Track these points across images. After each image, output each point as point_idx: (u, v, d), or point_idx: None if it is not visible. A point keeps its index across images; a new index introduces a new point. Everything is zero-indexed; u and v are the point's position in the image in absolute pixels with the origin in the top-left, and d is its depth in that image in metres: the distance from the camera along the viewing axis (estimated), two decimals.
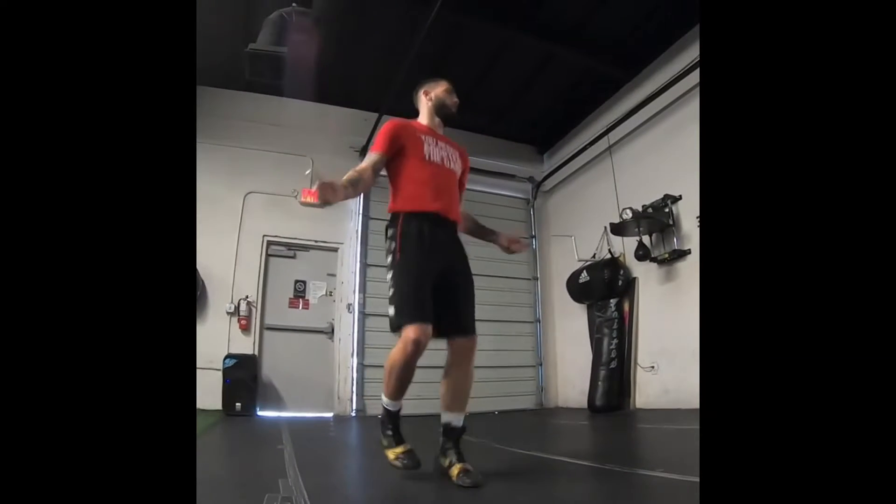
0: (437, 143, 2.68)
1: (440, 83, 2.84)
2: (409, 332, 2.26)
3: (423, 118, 2.81)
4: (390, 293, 2.42)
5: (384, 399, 2.51)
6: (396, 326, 2.34)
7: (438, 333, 2.42)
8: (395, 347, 2.33)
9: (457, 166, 2.75)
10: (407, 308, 2.34)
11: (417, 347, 2.26)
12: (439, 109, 2.79)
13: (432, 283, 2.42)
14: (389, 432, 2.46)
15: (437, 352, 2.40)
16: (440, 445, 2.41)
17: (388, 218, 2.59)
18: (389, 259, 2.50)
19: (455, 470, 2.25)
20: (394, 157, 2.60)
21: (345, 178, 2.34)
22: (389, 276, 2.47)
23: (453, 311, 2.47)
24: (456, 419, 2.44)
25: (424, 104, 2.82)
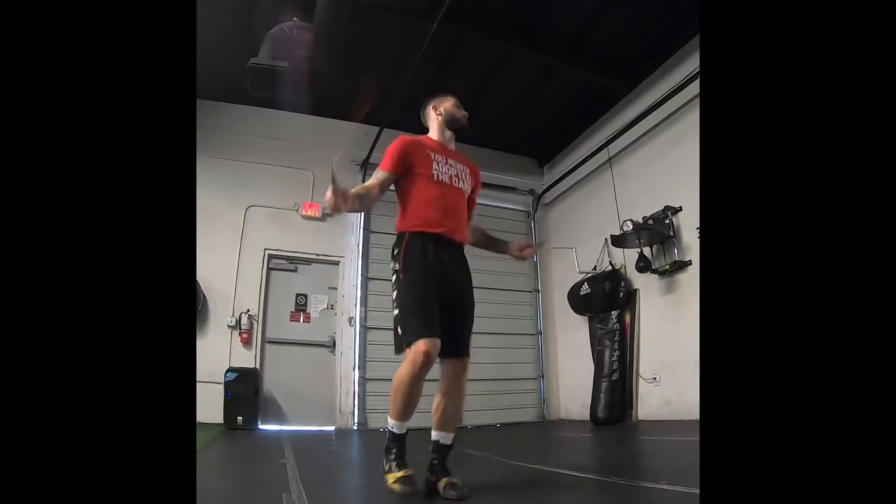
0: (446, 161, 2.67)
1: (447, 98, 2.83)
2: (420, 345, 2.25)
3: (434, 133, 2.79)
4: (395, 313, 2.42)
5: (390, 421, 2.42)
6: (404, 345, 2.33)
7: None
8: (403, 364, 2.30)
9: (466, 185, 2.73)
10: (415, 323, 2.33)
11: (427, 360, 2.25)
12: (450, 123, 2.77)
13: (437, 297, 2.42)
14: (393, 457, 2.38)
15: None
16: (428, 461, 2.44)
17: (395, 237, 2.59)
18: (394, 278, 2.49)
19: (442, 483, 2.30)
20: (402, 176, 2.59)
21: (353, 190, 2.34)
22: (394, 295, 2.46)
23: (452, 332, 2.45)
24: (445, 437, 2.46)
25: (434, 119, 2.81)
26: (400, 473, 2.30)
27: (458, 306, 2.52)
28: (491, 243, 2.91)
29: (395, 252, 2.53)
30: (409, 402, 2.35)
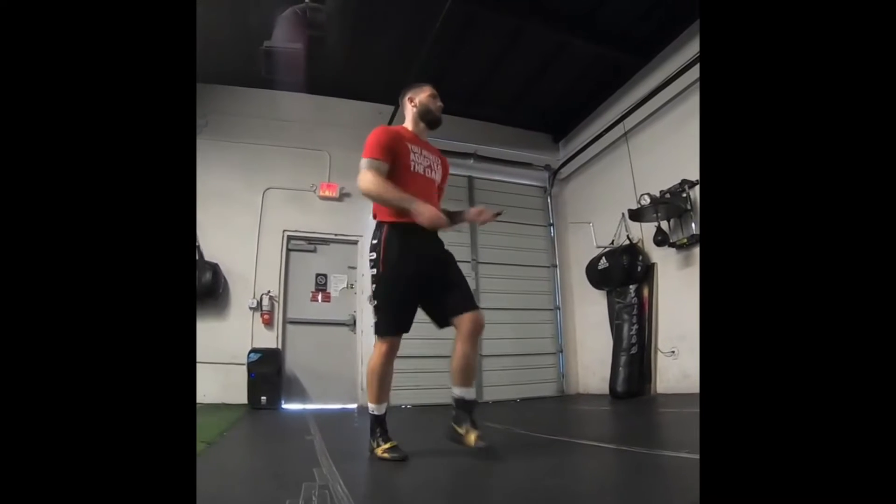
0: (421, 153, 2.78)
1: (424, 88, 2.89)
2: (386, 342, 2.64)
3: (408, 124, 2.88)
4: (374, 304, 2.70)
5: (371, 406, 2.72)
6: (379, 333, 2.67)
7: (443, 321, 2.69)
8: (373, 355, 2.68)
9: (437, 175, 2.87)
10: (387, 322, 2.65)
11: (391, 351, 2.65)
12: (424, 115, 2.85)
13: (417, 290, 2.64)
14: (379, 434, 2.66)
15: (440, 342, 2.52)
16: (454, 416, 2.66)
17: (374, 224, 2.73)
18: (374, 270, 2.67)
19: (472, 436, 2.51)
20: None
21: (397, 196, 2.56)
22: (374, 286, 2.71)
23: (451, 294, 2.66)
24: (469, 392, 2.66)
25: (409, 110, 2.88)
26: (387, 445, 2.59)
27: (446, 274, 2.71)
28: (451, 217, 2.92)
29: (374, 243, 2.69)
30: (382, 386, 2.69)
